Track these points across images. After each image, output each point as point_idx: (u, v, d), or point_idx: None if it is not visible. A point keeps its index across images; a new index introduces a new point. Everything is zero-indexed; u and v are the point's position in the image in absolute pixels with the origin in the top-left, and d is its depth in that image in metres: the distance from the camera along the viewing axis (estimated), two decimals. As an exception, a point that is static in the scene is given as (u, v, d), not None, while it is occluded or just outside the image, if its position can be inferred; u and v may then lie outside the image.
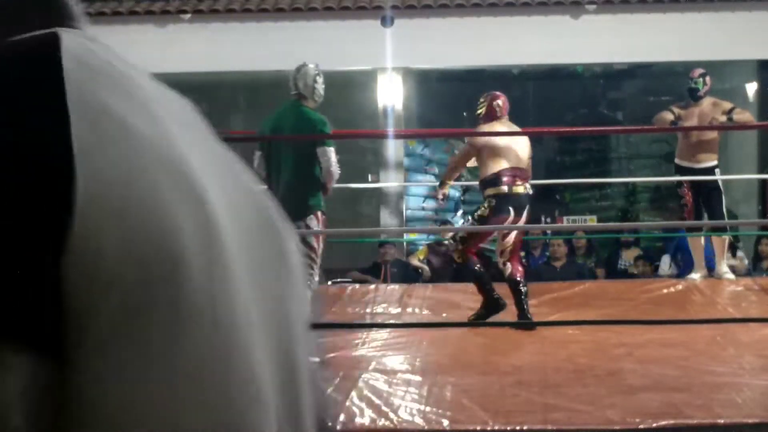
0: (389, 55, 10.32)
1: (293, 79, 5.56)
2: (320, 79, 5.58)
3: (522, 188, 5.91)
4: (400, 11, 10.56)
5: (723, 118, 6.96)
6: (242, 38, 10.70)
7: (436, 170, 11.86)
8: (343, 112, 12.65)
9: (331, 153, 5.25)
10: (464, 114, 12.71)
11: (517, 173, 5.90)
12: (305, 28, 10.74)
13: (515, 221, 5.88)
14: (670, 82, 11.49)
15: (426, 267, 9.84)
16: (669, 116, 7.17)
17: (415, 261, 10.02)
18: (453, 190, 11.89)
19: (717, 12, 10.56)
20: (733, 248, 9.00)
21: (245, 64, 10.94)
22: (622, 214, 12.07)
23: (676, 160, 7.38)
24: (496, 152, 5.89)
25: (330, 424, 0.99)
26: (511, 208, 5.85)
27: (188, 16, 10.76)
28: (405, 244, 10.85)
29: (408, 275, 9.31)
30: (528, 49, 10.61)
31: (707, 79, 7.16)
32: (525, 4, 10.60)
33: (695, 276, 7.22)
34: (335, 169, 5.26)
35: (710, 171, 7.17)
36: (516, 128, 6.15)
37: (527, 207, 5.96)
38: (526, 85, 12.99)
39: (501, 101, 6.14)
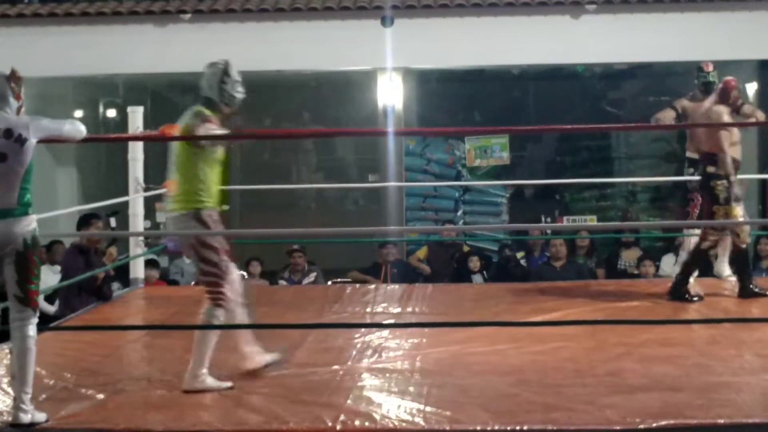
0: (389, 55, 10.31)
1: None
2: (229, 79, 4.90)
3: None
4: (400, 11, 10.56)
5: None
6: (242, 38, 10.69)
7: (437, 170, 11.84)
8: (343, 112, 12.67)
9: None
10: (475, 113, 12.75)
11: None
12: (305, 28, 10.73)
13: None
14: (670, 82, 11.48)
15: (426, 267, 9.84)
16: (671, 113, 7.12)
17: (415, 261, 10.02)
18: (453, 191, 11.90)
19: (717, 12, 10.55)
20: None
21: (245, 64, 10.86)
22: (622, 214, 12.05)
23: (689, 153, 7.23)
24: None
25: None
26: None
27: (188, 16, 10.76)
28: (405, 244, 10.84)
29: (408, 275, 9.30)
30: (528, 49, 10.61)
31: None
32: (525, 4, 10.59)
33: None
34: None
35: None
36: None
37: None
38: (526, 85, 12.98)
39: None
